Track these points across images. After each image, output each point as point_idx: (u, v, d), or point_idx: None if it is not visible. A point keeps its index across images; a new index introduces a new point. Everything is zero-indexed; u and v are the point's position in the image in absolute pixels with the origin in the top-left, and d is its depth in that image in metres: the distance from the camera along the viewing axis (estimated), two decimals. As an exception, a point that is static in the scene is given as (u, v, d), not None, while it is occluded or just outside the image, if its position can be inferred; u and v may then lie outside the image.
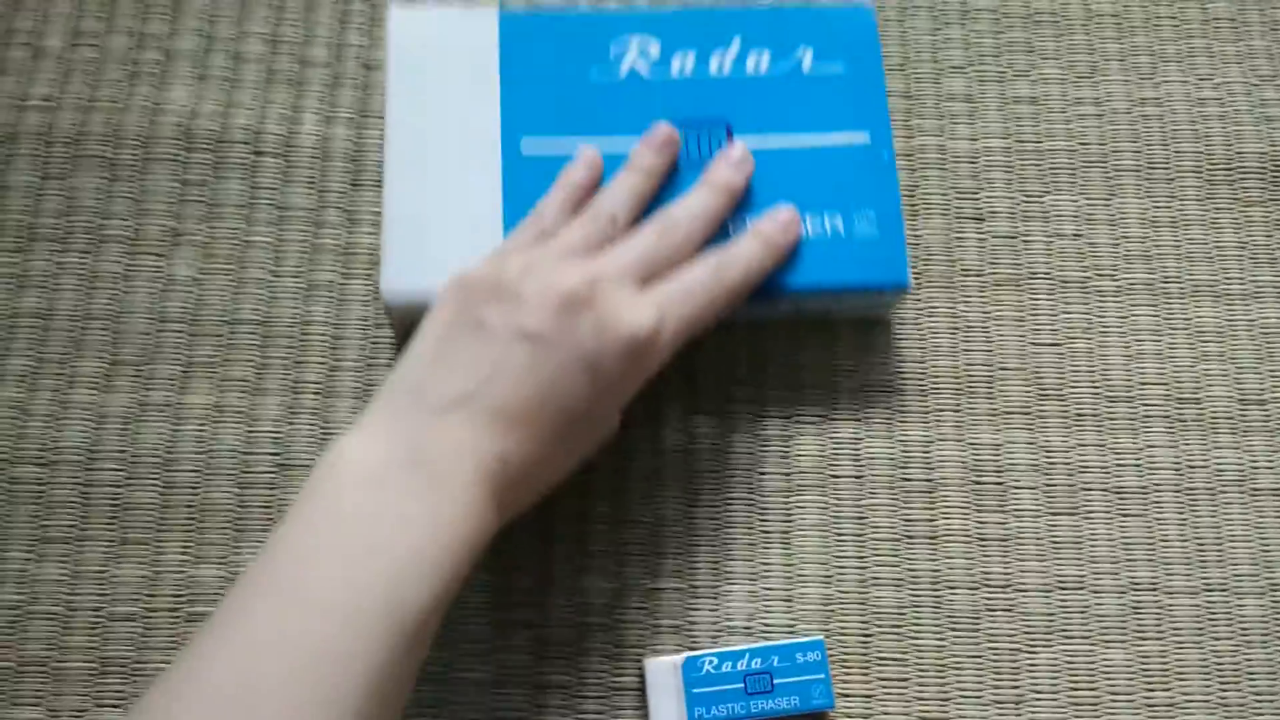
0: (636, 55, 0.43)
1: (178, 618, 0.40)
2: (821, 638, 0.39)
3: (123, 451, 0.42)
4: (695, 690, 0.38)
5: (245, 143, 0.46)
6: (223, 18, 0.47)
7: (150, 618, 0.40)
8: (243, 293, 0.44)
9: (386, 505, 0.31)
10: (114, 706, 0.39)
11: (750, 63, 0.43)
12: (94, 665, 0.39)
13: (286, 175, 0.45)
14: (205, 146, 0.45)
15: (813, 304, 0.42)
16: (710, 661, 0.38)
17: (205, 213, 0.45)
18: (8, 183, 0.45)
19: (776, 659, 0.39)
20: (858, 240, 0.41)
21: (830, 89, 0.43)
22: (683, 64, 0.43)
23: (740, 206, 0.41)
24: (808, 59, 0.43)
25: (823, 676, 0.38)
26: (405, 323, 0.41)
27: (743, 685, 0.38)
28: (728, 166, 0.40)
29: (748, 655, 0.39)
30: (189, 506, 0.41)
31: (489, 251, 0.38)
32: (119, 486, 0.41)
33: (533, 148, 0.41)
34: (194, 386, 0.42)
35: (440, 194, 0.41)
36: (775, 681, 0.38)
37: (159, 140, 0.45)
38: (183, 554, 0.41)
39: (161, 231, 0.44)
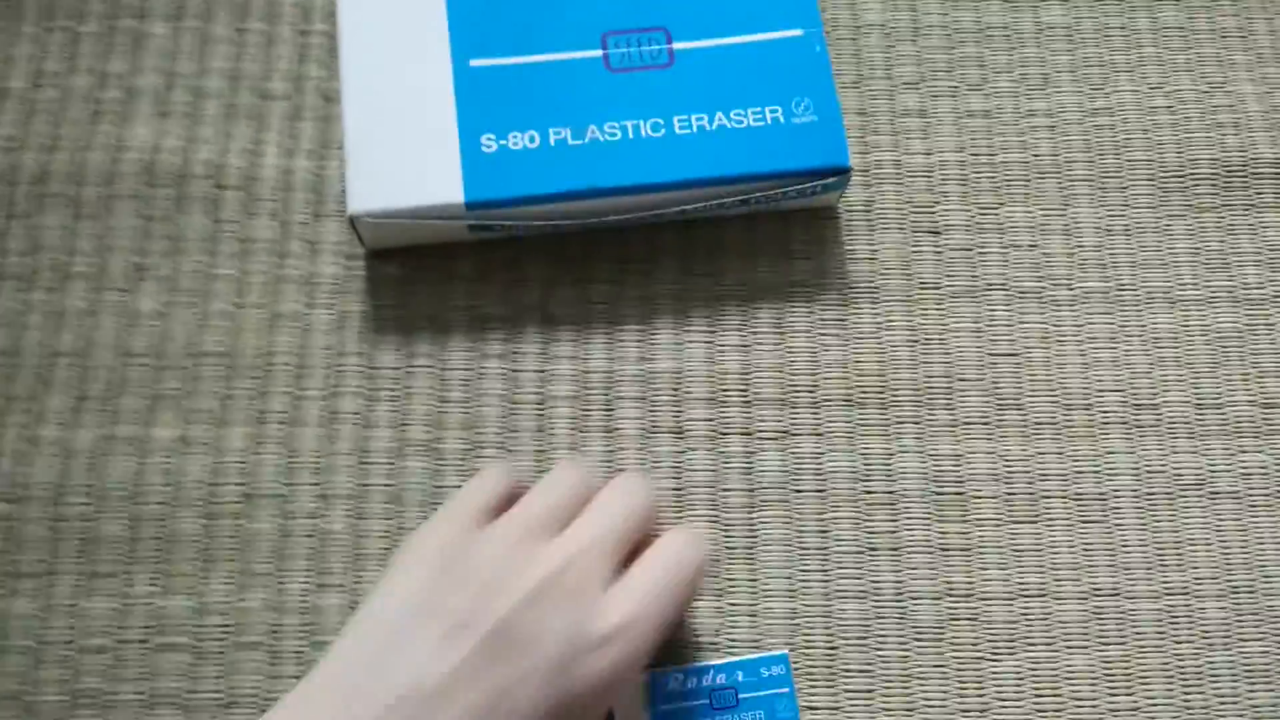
0: None
1: (148, 649, 0.40)
2: (786, 652, 0.40)
3: (91, 485, 0.42)
4: (661, 706, 0.38)
5: (208, 177, 0.46)
6: (183, 54, 0.48)
7: (121, 649, 0.40)
8: (207, 325, 0.44)
9: None
10: (85, 740, 0.39)
11: None
12: (66, 698, 0.39)
13: (249, 208, 0.46)
14: (168, 182, 0.46)
15: (760, 192, 0.43)
16: (676, 678, 0.39)
17: (169, 247, 0.45)
18: (-27, 223, 0.45)
19: (741, 674, 0.39)
20: (798, 128, 0.43)
21: None
22: None
23: (682, 103, 0.43)
24: None
25: (787, 690, 0.39)
26: (376, 243, 0.44)
27: (708, 701, 0.39)
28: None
29: (713, 671, 0.39)
30: (157, 538, 0.41)
31: (449, 200, 0.41)
32: (88, 520, 0.42)
33: (481, 65, 0.44)
34: (160, 419, 0.43)
35: (396, 114, 0.43)
36: (740, 696, 0.39)
37: (122, 177, 0.46)
38: (151, 585, 0.41)
39: (126, 267, 0.45)
